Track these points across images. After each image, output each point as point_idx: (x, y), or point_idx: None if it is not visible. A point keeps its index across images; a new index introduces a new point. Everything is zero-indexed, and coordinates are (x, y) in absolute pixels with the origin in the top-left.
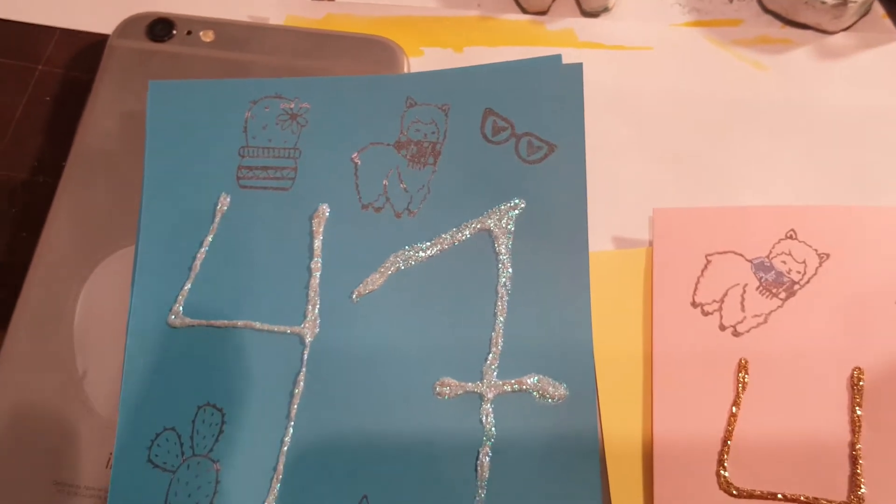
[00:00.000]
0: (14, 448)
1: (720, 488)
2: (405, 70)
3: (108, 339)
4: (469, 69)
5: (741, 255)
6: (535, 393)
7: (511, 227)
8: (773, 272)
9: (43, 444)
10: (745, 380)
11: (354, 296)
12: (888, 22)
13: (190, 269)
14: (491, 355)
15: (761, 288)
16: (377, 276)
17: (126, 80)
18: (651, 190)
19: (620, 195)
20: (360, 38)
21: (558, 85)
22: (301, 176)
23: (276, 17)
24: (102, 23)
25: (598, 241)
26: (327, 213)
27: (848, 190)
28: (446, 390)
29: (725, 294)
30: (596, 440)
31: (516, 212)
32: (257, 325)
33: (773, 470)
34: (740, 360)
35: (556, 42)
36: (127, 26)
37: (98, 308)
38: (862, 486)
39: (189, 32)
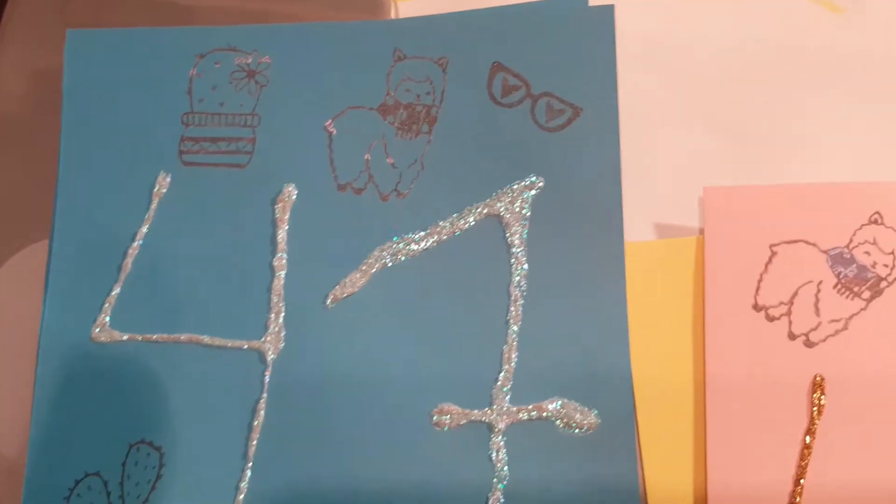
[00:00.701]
0: None
1: None
2: (392, 15)
3: (15, 360)
4: (472, 13)
5: (814, 244)
6: (558, 421)
7: (526, 212)
8: (854, 266)
9: None
10: (822, 402)
11: (329, 300)
12: None
13: (119, 268)
14: (502, 375)
15: (840, 286)
16: (358, 274)
17: (38, 29)
18: (701, 165)
19: (664, 172)
20: None
21: (584, 33)
22: (260, 149)
23: None
24: None
25: (637, 228)
26: (294, 196)
27: None
28: (446, 419)
29: (795, 294)
30: (635, 480)
31: (533, 192)
32: (206, 339)
33: None
34: (815, 378)
35: None
36: None
37: (2, 320)
38: None
39: None
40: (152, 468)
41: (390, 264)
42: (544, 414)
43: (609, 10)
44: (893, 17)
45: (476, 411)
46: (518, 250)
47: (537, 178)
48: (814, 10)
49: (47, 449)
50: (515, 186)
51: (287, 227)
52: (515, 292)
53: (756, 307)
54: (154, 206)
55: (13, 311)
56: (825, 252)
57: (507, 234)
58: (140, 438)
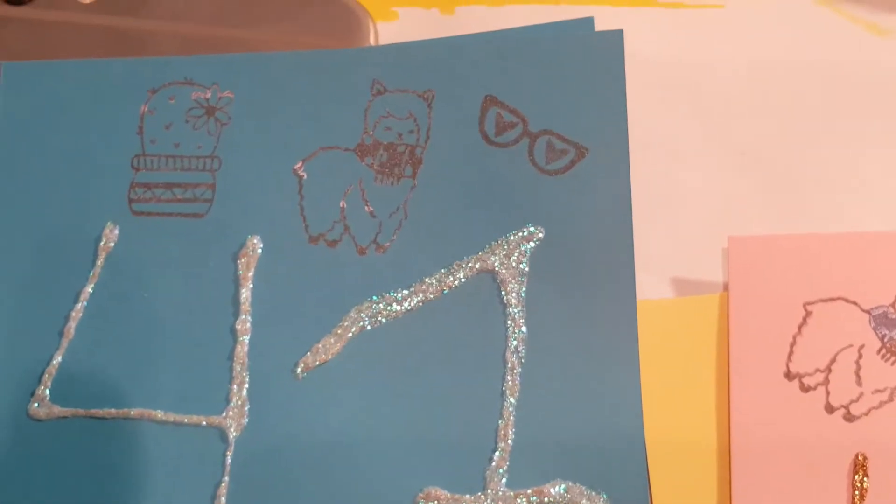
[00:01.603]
0: None
1: None
2: (371, 41)
3: None
4: (462, 39)
5: (855, 303)
6: None
7: (524, 267)
8: None
9: None
10: (865, 484)
11: (299, 369)
12: None
13: (61, 333)
14: (497, 454)
15: (885, 351)
16: (332, 339)
17: None
18: (725, 209)
19: (681, 217)
20: None
21: (590, 61)
22: (221, 196)
23: None
24: None
25: (650, 284)
26: (259, 250)
27: None
28: None
29: (833, 360)
30: None
31: (531, 244)
32: (159, 414)
33: None
34: (857, 456)
35: None
36: None
37: None
38: None
39: None
40: None
41: (369, 327)
42: (546, 499)
43: (618, 35)
44: None
45: (468, 496)
46: (515, 311)
47: (536, 229)
48: (855, 32)
49: None
50: (512, 238)
51: (251, 286)
52: (512, 359)
53: (788, 375)
54: (100, 261)
55: None
56: (868, 312)
57: (503, 293)
58: None
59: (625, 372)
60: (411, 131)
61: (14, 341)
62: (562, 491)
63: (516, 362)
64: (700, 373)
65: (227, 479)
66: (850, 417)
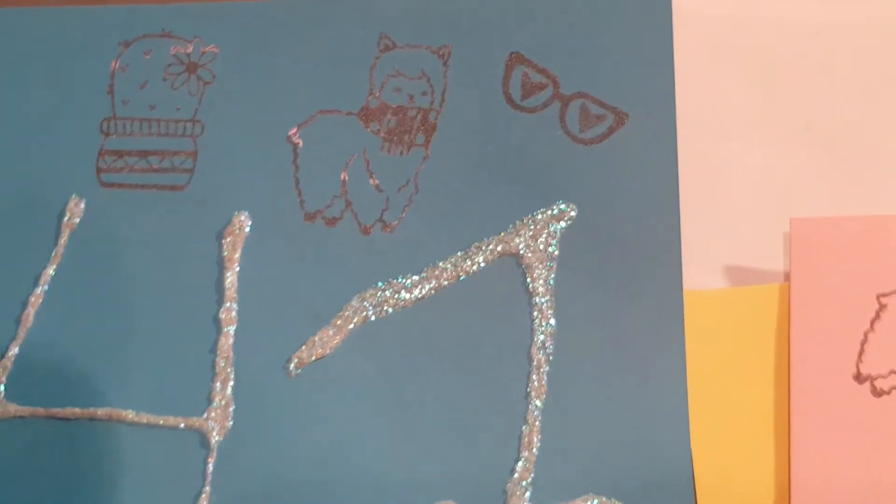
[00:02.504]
0: None
1: None
2: None
3: None
4: None
5: None
6: None
7: (553, 251)
8: None
9: None
10: None
11: (293, 366)
12: None
13: (17, 321)
14: (521, 464)
15: None
16: (331, 331)
17: None
18: (786, 187)
19: (736, 196)
20: None
21: (632, 15)
22: (204, 166)
23: None
24: None
25: (701, 272)
26: (247, 228)
27: None
28: None
29: None
30: None
31: (562, 224)
32: (130, 414)
33: None
34: None
35: None
36: None
37: None
38: None
39: None
40: None
41: (373, 318)
42: None
43: None
44: None
45: None
46: (542, 300)
47: (568, 207)
48: None
49: None
50: (539, 217)
51: (238, 269)
52: (539, 356)
53: (859, 377)
54: (63, 240)
55: None
56: None
57: (529, 279)
58: None
59: (668, 372)
60: (424, 93)
61: None
62: None
63: (543, 360)
64: (756, 374)
65: (207, 489)
66: None
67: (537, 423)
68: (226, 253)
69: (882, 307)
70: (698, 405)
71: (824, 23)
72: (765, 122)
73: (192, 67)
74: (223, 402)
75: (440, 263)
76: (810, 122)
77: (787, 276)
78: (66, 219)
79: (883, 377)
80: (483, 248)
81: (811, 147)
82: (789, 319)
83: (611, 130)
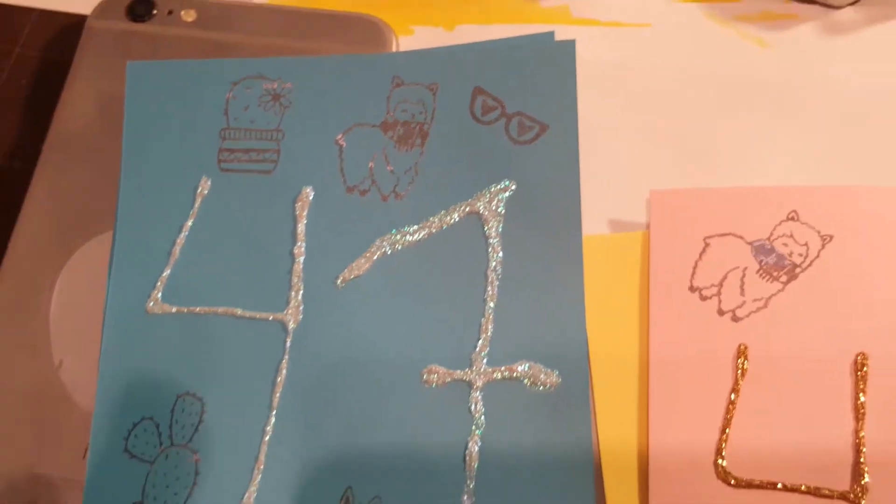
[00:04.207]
0: None
1: (718, 478)
2: (394, 49)
3: (85, 328)
4: (458, 47)
5: (741, 237)
6: (526, 380)
7: (501, 210)
8: (773, 255)
9: (18, 436)
10: (745, 366)
11: (339, 281)
12: None
13: (169, 254)
14: (480, 342)
15: (762, 271)
16: (363, 260)
17: (105, 61)
18: (648, 171)
19: (616, 177)
20: (346, 16)
21: (550, 63)
22: (284, 159)
23: None
24: (81, 3)
25: (593, 224)
26: (311, 197)
27: (852, 170)
28: (434, 378)
29: (724, 278)
30: (589, 429)
31: (507, 194)
32: (238, 311)
33: (773, 459)
34: (739, 346)
35: (550, 19)
36: (106, 6)
37: (75, 296)
38: (865, 475)
39: (170, 12)
40: (195, 414)
41: (389, 252)
42: (514, 374)
43: (571, 44)
44: (810, 52)
45: (458, 371)
46: (494, 241)
47: (510, 182)
48: (746, 46)
49: (111, 399)
50: (493, 189)
51: (305, 222)
52: (492, 276)
53: (692, 288)
54: (197, 204)
55: (84, 288)
56: (750, 243)
57: (486, 228)
58: (185, 391)
59: (573, 286)
60: (421, 113)
61: (136, 260)
62: (526, 369)
63: (494, 278)
64: (627, 289)
65: (286, 357)
66: (735, 318)
67: (491, 316)
68: (297, 212)
69: (707, 245)
70: (591, 305)
71: (673, 70)
72: (635, 131)
73: (276, 97)
74: (296, 304)
75: (430, 218)
76: (663, 132)
77: (648, 226)
78: (199, 190)
79: (706, 288)
80: (457, 209)
81: (665, 146)
82: (649, 253)
83: (537, 136)
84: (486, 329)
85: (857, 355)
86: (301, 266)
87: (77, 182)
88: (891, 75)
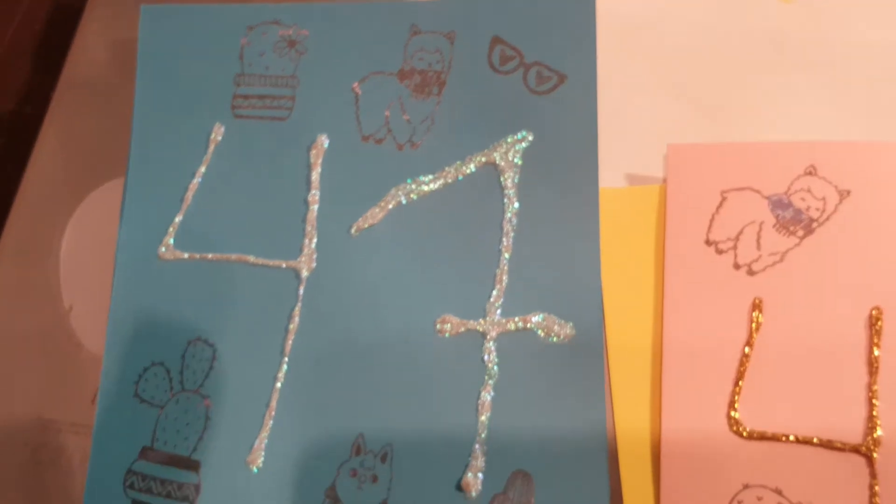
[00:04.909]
0: None
1: (730, 430)
2: None
3: (96, 273)
4: None
5: (758, 191)
6: (539, 331)
7: (518, 161)
8: (790, 209)
9: (27, 380)
10: (759, 319)
11: (353, 230)
12: None
13: (181, 200)
14: (495, 292)
15: (778, 226)
16: (377, 209)
17: (118, 5)
18: (666, 125)
19: (634, 130)
20: None
21: (570, 12)
22: (299, 106)
23: None
24: None
25: (610, 177)
26: (326, 145)
27: (871, 126)
28: (448, 327)
29: (741, 232)
30: (602, 379)
31: (524, 145)
32: (251, 258)
33: (786, 412)
34: (754, 300)
35: None
36: None
37: (85, 242)
38: (878, 428)
39: None
40: (206, 360)
41: (404, 202)
42: (528, 325)
43: None
44: (830, 8)
45: (472, 321)
46: (510, 192)
47: (528, 133)
48: (768, 1)
49: (121, 344)
50: (510, 140)
51: (319, 170)
52: (507, 227)
53: (708, 242)
54: (211, 150)
55: (94, 233)
56: (767, 198)
57: (502, 179)
58: (196, 336)
59: (588, 238)
60: (438, 62)
61: (148, 205)
62: (540, 319)
63: (510, 229)
64: (644, 242)
65: (299, 304)
66: (751, 272)
67: (506, 267)
68: (312, 160)
69: (724, 199)
70: (607, 258)
71: (691, 25)
72: (654, 84)
73: (291, 44)
74: (309, 252)
75: (446, 168)
76: (681, 85)
77: (665, 180)
78: (212, 136)
79: (723, 242)
80: (474, 159)
81: (683, 100)
82: (666, 207)
83: (555, 86)
84: (501, 280)
85: (872, 310)
86: (315, 214)
87: (89, 127)
88: None
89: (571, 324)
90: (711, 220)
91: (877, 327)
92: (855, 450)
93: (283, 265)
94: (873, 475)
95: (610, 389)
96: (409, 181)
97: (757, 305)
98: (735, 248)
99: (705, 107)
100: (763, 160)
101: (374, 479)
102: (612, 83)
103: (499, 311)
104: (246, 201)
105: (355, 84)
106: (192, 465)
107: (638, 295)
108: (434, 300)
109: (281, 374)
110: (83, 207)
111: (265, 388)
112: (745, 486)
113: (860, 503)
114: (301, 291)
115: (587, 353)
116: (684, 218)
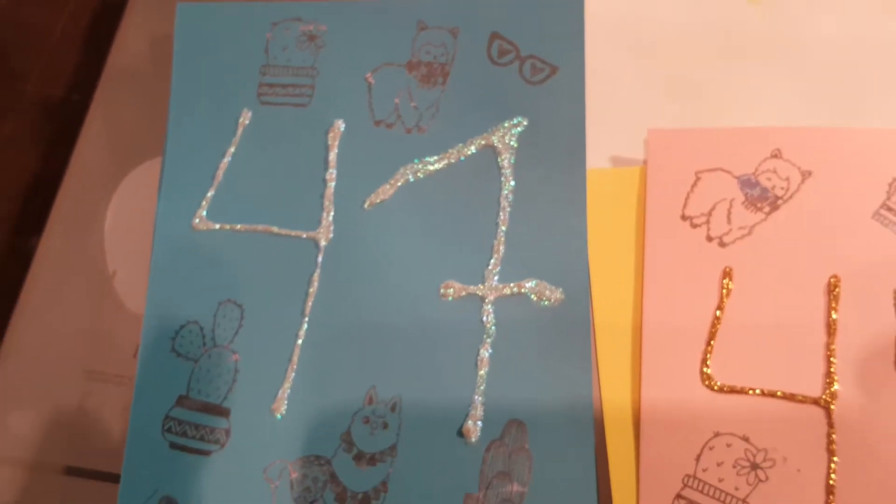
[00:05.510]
0: (48, 340)
1: (703, 384)
2: None
3: (137, 242)
4: None
5: (729, 172)
6: (532, 295)
7: (514, 144)
8: (758, 188)
9: (75, 336)
10: (730, 286)
11: (366, 205)
12: None
13: (213, 177)
14: (493, 261)
15: (747, 203)
16: (388, 186)
17: (156, 3)
18: (647, 112)
19: (618, 117)
20: None
21: (561, 10)
22: (318, 94)
23: None
24: None
25: (596, 159)
26: (342, 129)
27: (832, 114)
28: (450, 292)
29: (713, 208)
30: (588, 338)
31: (519, 129)
32: (275, 229)
33: (753, 368)
34: (725, 268)
35: None
36: None
37: (127, 214)
38: (836, 383)
39: None
40: (235, 319)
41: (412, 180)
42: (522, 290)
43: None
44: (793, 8)
45: (472, 286)
46: (507, 172)
47: (523, 119)
48: (739, 2)
49: (160, 305)
50: (506, 125)
51: (336, 151)
52: (504, 202)
53: (683, 217)
54: (239, 133)
55: (135, 207)
56: (737, 177)
57: (499, 160)
58: (227, 298)
59: (577, 213)
60: (443, 54)
61: (184, 181)
62: (533, 285)
63: (506, 204)
64: (626, 217)
65: (318, 271)
66: (722, 244)
67: (502, 238)
68: (329, 142)
69: (698, 178)
70: (593, 231)
71: (677, 24)
72: (636, 76)
73: (312, 38)
74: (327, 224)
75: (450, 150)
76: (663, 77)
77: (646, 162)
78: (241, 120)
79: (696, 217)
80: (474, 141)
81: (663, 90)
82: (646, 186)
83: (548, 76)
84: (498, 250)
85: (831, 278)
86: (332, 190)
87: (130, 113)
88: (868, 28)
89: (561, 289)
90: (687, 198)
91: (835, 293)
92: (815, 402)
93: (304, 235)
94: (831, 425)
95: (595, 349)
96: (416, 161)
97: (727, 273)
98: (708, 222)
99: (682, 95)
100: (733, 144)
101: (385, 425)
102: (598, 74)
103: (496, 278)
104: (270, 178)
105: (368, 74)
106: (223, 412)
107: (621, 265)
108: (438, 267)
109: (302, 333)
110: (125, 184)
111: (288, 344)
112: (716, 434)
113: (819, 449)
114: (319, 259)
115: (575, 315)
116: (663, 195)
